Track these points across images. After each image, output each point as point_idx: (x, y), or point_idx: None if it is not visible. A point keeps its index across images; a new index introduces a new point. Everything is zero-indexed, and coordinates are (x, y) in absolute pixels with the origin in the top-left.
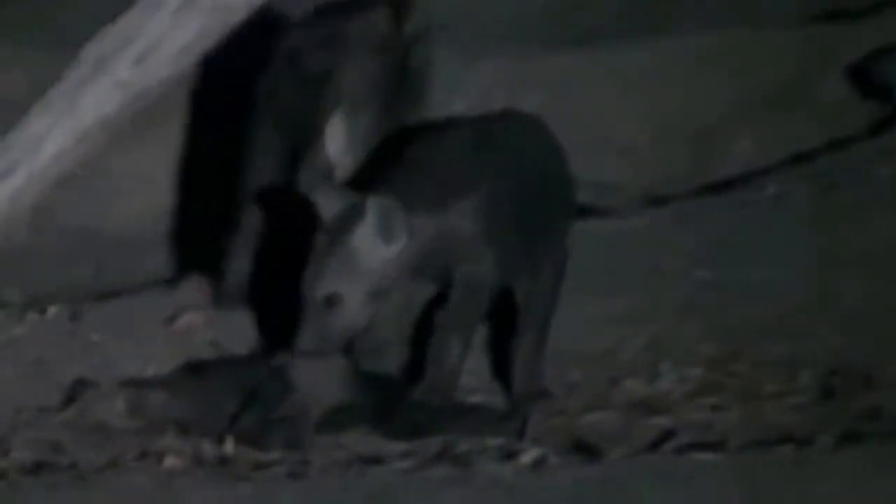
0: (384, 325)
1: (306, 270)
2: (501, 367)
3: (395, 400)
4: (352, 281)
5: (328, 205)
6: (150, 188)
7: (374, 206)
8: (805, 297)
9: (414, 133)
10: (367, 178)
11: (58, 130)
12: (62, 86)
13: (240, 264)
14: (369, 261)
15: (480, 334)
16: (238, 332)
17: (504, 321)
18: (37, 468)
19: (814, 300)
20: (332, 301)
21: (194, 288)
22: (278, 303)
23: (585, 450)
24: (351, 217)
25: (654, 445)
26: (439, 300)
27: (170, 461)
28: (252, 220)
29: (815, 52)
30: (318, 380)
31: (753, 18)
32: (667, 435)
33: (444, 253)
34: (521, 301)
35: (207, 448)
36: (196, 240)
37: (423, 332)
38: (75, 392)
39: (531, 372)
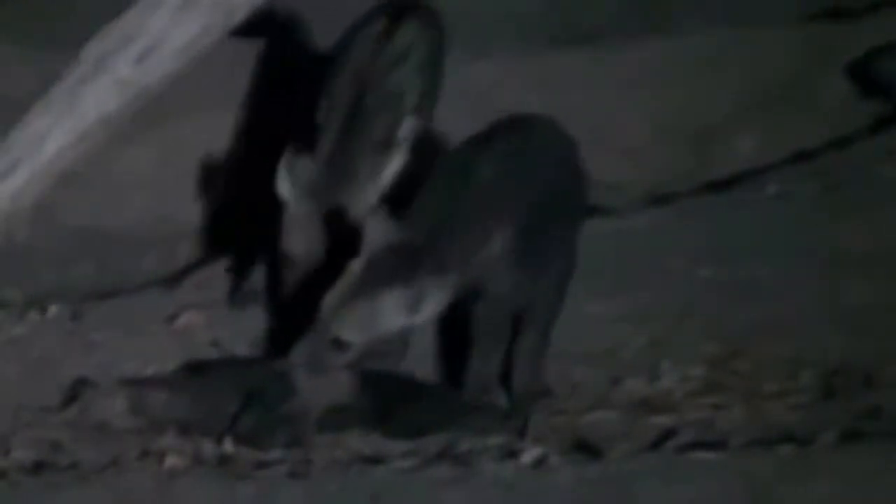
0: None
1: (329, 293)
2: (503, 367)
3: (395, 399)
4: (365, 335)
5: (375, 236)
6: (151, 187)
7: (421, 283)
8: (806, 296)
9: (443, 163)
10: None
11: (59, 129)
12: (63, 84)
13: (264, 265)
14: (391, 323)
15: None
16: (239, 332)
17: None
18: (38, 468)
19: (815, 299)
20: (339, 345)
21: (195, 287)
22: (288, 307)
23: (586, 449)
24: (393, 278)
25: (656, 445)
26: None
27: (171, 461)
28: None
29: (815, 51)
30: (318, 380)
31: (754, 18)
32: (668, 434)
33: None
34: (525, 301)
35: (208, 447)
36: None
37: (446, 340)
38: (75, 391)
39: (533, 371)
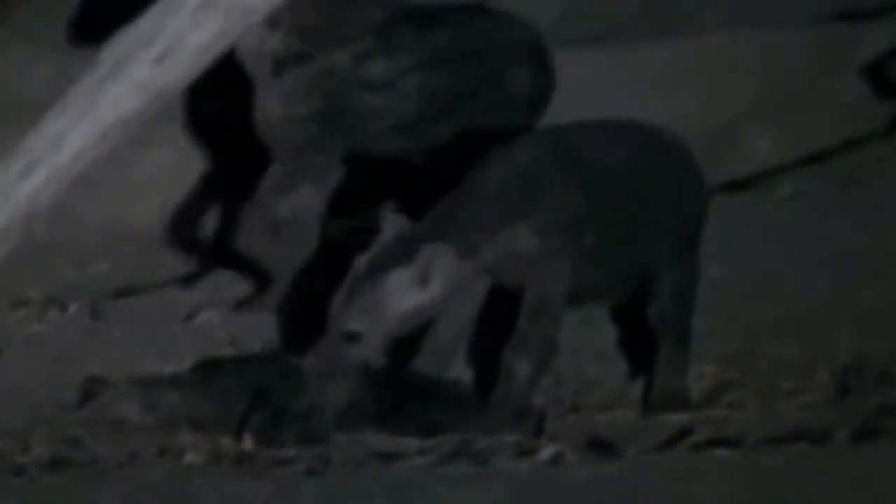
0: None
1: (338, 294)
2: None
3: (407, 397)
4: (375, 323)
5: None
6: (169, 186)
7: (422, 255)
8: (820, 295)
9: (498, 147)
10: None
11: (77, 130)
12: (82, 85)
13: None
14: (399, 304)
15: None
16: (256, 330)
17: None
18: (57, 464)
19: (829, 298)
20: (350, 337)
21: (212, 286)
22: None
23: (602, 447)
24: (396, 256)
25: (671, 442)
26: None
27: (189, 457)
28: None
29: (830, 52)
30: (331, 378)
31: (768, 18)
32: (683, 432)
33: (505, 273)
34: (653, 315)
35: (226, 444)
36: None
37: (487, 342)
38: (89, 390)
39: (670, 381)
